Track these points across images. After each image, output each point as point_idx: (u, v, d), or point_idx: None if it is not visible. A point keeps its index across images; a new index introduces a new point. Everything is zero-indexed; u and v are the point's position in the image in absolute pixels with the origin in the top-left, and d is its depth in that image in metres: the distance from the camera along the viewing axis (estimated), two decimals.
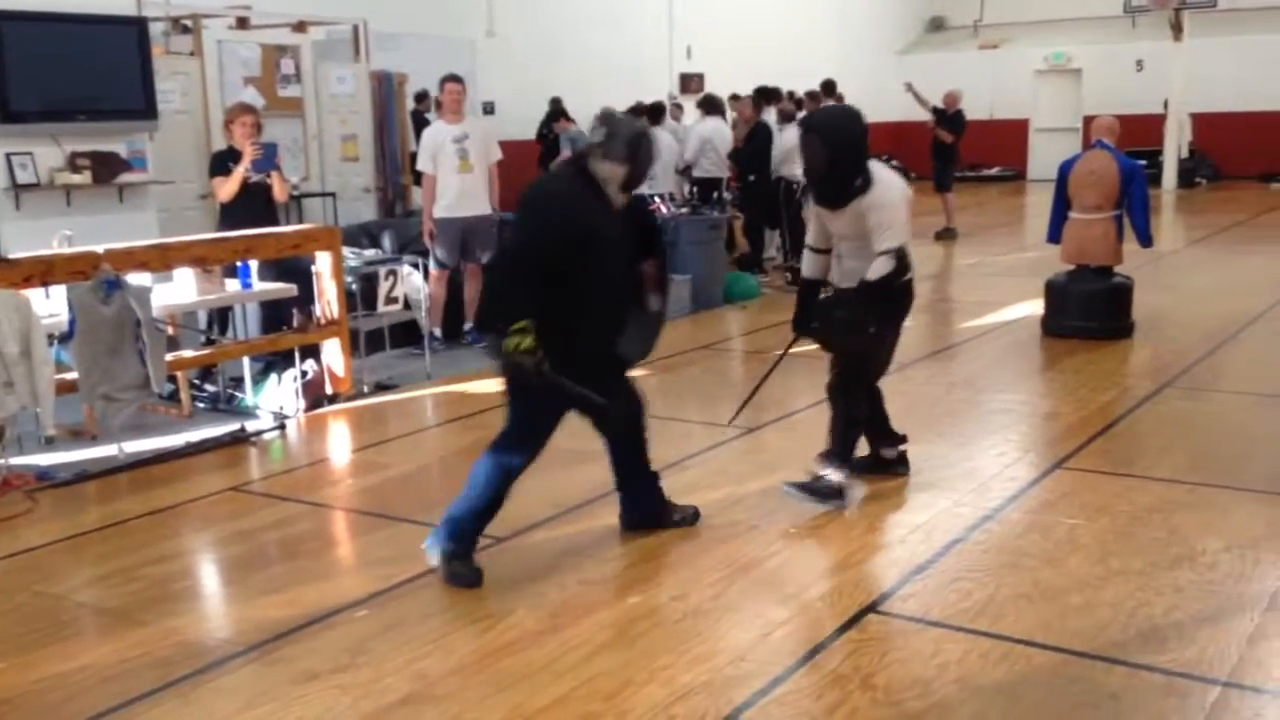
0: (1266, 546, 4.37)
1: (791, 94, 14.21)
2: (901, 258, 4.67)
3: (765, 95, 12.73)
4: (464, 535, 4.25)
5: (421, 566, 4.35)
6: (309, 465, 6.07)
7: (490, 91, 15.19)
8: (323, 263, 6.96)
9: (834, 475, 4.86)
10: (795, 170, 11.66)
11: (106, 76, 8.15)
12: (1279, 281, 10.33)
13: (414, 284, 8.04)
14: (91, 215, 7.85)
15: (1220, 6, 20.10)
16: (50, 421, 5.57)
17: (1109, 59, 22.77)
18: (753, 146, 11.79)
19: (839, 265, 4.96)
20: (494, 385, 7.27)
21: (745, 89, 13.95)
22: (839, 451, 4.92)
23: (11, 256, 5.70)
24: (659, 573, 4.30)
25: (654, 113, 12.38)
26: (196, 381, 7.19)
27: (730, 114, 12.94)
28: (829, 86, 13.77)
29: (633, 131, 4.17)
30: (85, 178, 8.02)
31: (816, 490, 4.86)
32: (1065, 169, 8.35)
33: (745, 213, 12.18)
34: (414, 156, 9.98)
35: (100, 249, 5.79)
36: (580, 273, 4.04)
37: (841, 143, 4.67)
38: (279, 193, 7.61)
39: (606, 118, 4.24)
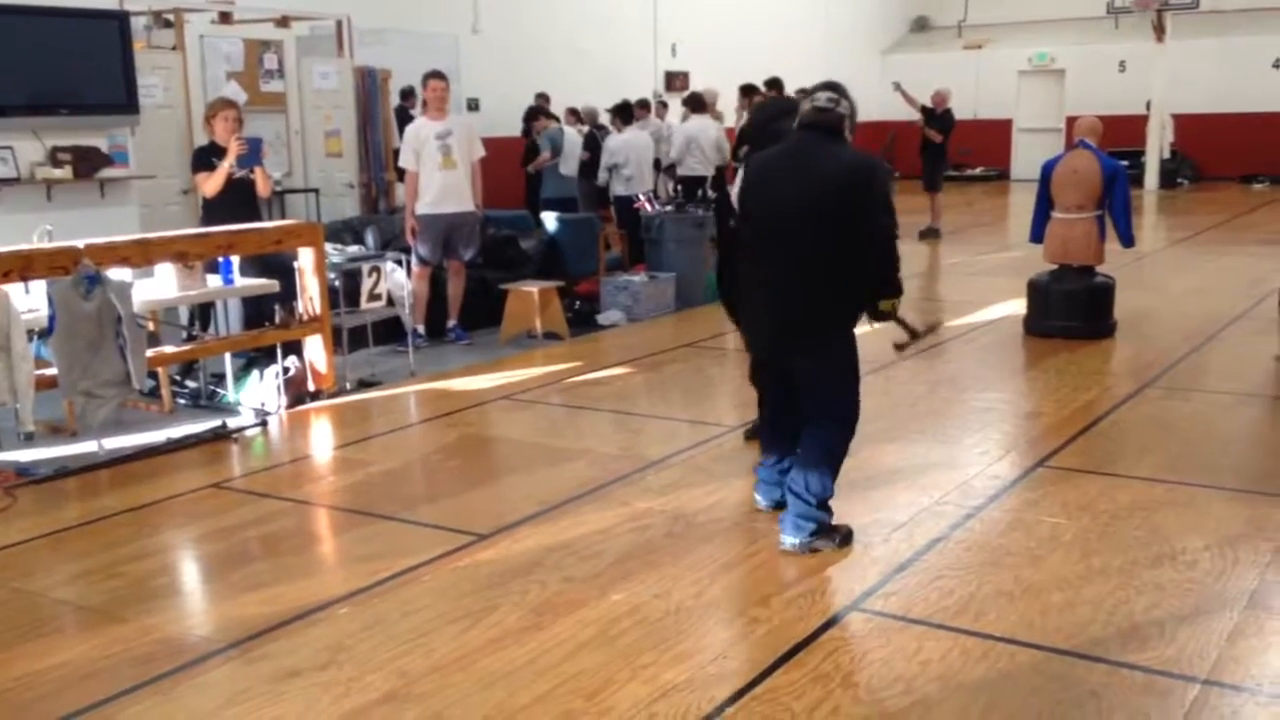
0: (1245, 545, 4.40)
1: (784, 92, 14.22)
2: None
3: (746, 92, 12.72)
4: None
5: (403, 563, 4.34)
6: (291, 462, 6.05)
7: (475, 88, 15.17)
8: (305, 259, 6.93)
9: None
10: None
11: (88, 71, 8.11)
12: (1259, 282, 10.38)
13: (397, 280, 8.02)
14: (72, 210, 7.82)
15: (1202, 8, 20.21)
16: (30, 417, 5.53)
17: (1092, 60, 22.87)
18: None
19: None
20: (481, 382, 7.30)
21: (730, 87, 13.95)
22: None
23: None
24: (641, 570, 4.30)
25: (625, 110, 12.31)
26: (177, 378, 7.15)
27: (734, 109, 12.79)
28: (775, 84, 13.64)
29: (855, 110, 4.39)
30: (66, 172, 7.98)
31: None
32: (1048, 169, 8.37)
33: None
34: (398, 153, 9.96)
35: (81, 244, 5.76)
36: None
37: None
38: (262, 188, 7.57)
39: (845, 94, 4.34)
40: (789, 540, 4.39)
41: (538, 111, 14.11)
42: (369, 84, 11.82)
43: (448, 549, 4.50)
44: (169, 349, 6.64)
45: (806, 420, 4.47)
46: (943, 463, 5.52)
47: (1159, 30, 20.07)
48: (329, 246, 7.49)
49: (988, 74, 23.77)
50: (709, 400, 7.18)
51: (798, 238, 4.22)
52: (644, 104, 13.94)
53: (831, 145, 4.30)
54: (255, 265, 7.19)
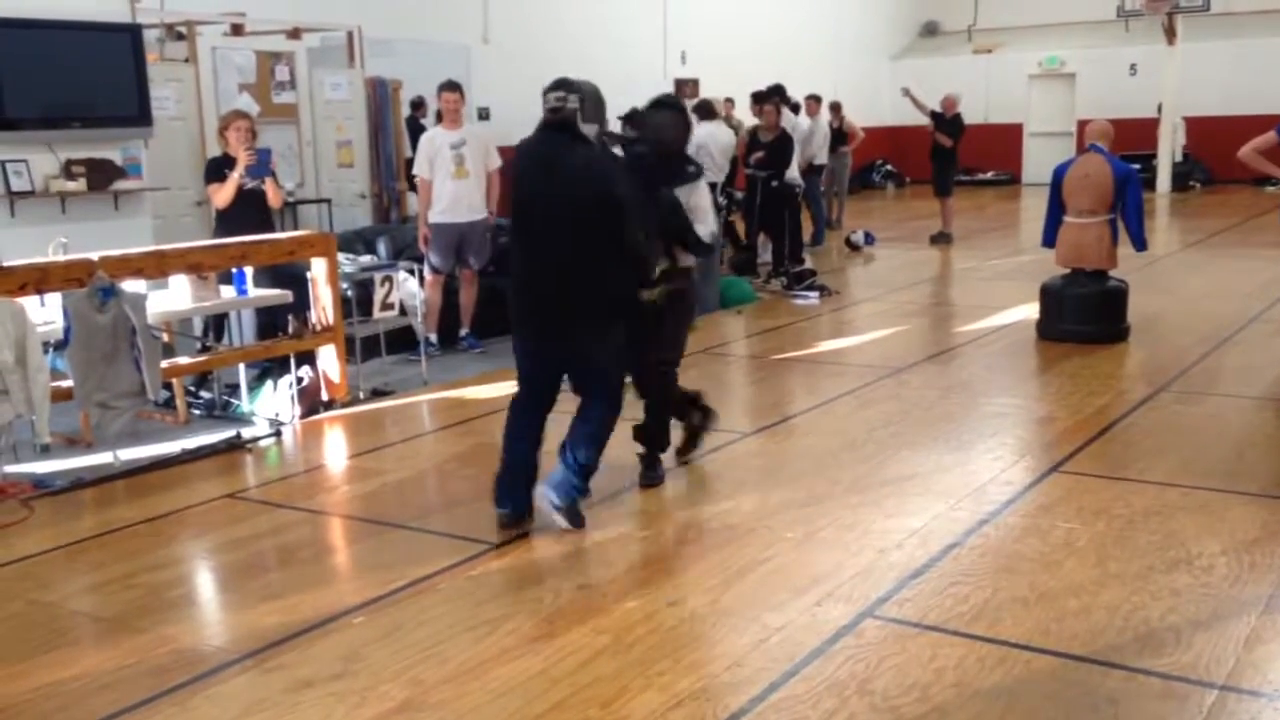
0: (1262, 550, 4.38)
1: (789, 98, 14.22)
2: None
3: (759, 99, 12.70)
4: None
5: (417, 572, 4.35)
6: (305, 472, 6.06)
7: (486, 98, 15.19)
8: (318, 269, 6.95)
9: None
10: (794, 173, 11.66)
11: (101, 83, 8.15)
12: (1273, 284, 10.35)
13: (409, 290, 8.04)
14: (87, 222, 7.84)
15: (1213, 10, 20.15)
16: (46, 429, 5.56)
17: (1102, 63, 22.81)
18: (781, 152, 11.52)
19: None
20: (494, 390, 7.31)
21: (740, 95, 13.93)
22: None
23: (7, 264, 5.68)
24: (655, 578, 4.30)
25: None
26: (192, 388, 7.18)
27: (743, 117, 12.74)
28: (778, 90, 13.67)
29: (592, 97, 4.78)
30: (80, 185, 8.01)
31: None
32: (1060, 173, 8.36)
33: (762, 217, 11.84)
34: (409, 162, 9.97)
35: (96, 256, 5.78)
36: None
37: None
38: (273, 198, 7.61)
39: (575, 88, 4.73)
40: (554, 500, 4.67)
41: None
42: (380, 94, 11.85)
43: (461, 558, 4.51)
44: (183, 360, 6.67)
45: (584, 401, 4.82)
46: (956, 468, 5.50)
47: (1170, 33, 20.02)
48: (341, 256, 7.51)
49: (998, 78, 23.72)
50: (720, 406, 7.15)
51: (552, 233, 4.48)
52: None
53: (572, 144, 4.52)
54: (268, 276, 7.22)
